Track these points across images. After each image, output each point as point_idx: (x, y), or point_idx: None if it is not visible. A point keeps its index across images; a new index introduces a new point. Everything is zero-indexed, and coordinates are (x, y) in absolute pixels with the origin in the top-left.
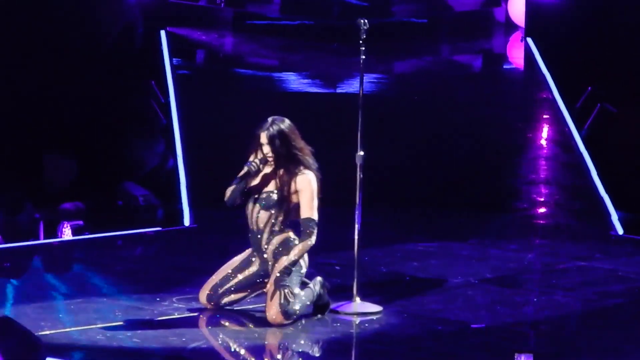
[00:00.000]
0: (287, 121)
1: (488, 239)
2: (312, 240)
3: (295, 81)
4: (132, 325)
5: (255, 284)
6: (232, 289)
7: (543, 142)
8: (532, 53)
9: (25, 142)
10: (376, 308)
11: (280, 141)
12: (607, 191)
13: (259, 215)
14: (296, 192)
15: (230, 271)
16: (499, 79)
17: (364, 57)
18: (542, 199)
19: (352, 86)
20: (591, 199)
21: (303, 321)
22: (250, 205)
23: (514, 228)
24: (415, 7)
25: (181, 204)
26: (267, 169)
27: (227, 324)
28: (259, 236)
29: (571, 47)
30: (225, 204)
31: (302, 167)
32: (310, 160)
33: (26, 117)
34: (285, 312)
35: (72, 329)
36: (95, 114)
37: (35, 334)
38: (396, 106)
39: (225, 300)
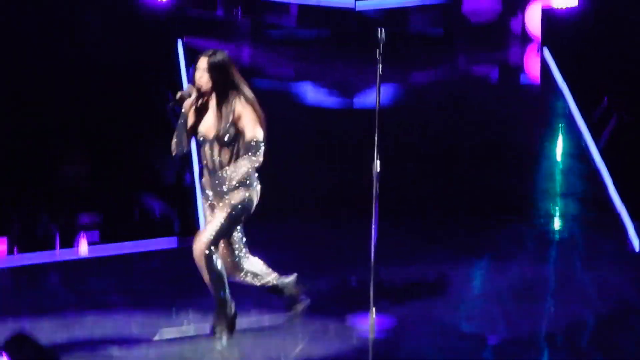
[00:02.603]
0: (225, 52)
1: (504, 250)
2: (259, 159)
3: (312, 91)
4: (148, 339)
5: None
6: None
7: (559, 153)
8: (548, 64)
9: (42, 153)
10: (392, 320)
11: (220, 70)
12: (623, 202)
13: (221, 153)
14: (239, 117)
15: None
16: (515, 90)
17: (380, 67)
18: (558, 211)
19: (368, 97)
20: (607, 210)
21: (317, 334)
22: (207, 147)
23: (530, 239)
24: (432, 18)
25: (197, 215)
26: (207, 108)
27: (242, 339)
28: (217, 176)
29: (587, 57)
30: (175, 157)
31: (240, 95)
32: (247, 90)
33: (43, 127)
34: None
35: (88, 343)
36: (112, 124)
37: (51, 349)
38: (413, 116)
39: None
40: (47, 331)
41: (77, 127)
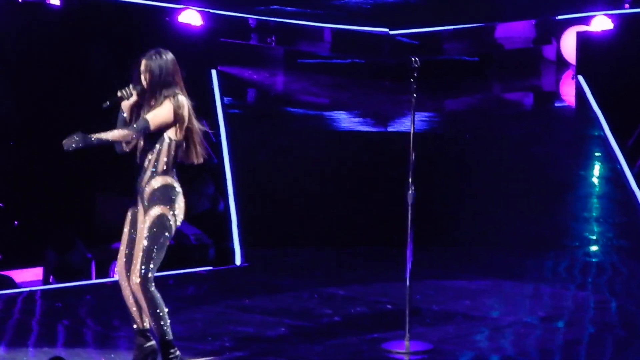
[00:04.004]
0: (170, 55)
1: (540, 276)
2: (133, 135)
3: (346, 120)
4: None
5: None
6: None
7: (594, 179)
8: (583, 90)
9: (77, 182)
10: (427, 347)
11: (156, 72)
12: None
13: (143, 155)
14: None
15: (127, 229)
16: (550, 117)
17: (415, 95)
18: (594, 237)
19: (403, 124)
20: None
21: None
22: (139, 143)
23: (565, 266)
24: (466, 45)
25: (232, 242)
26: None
27: None
28: (142, 174)
29: (623, 84)
30: (117, 151)
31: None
32: (182, 97)
33: (78, 157)
34: (144, 277)
35: None
36: None
37: None
38: (447, 144)
39: None
40: (84, 357)
41: (112, 157)
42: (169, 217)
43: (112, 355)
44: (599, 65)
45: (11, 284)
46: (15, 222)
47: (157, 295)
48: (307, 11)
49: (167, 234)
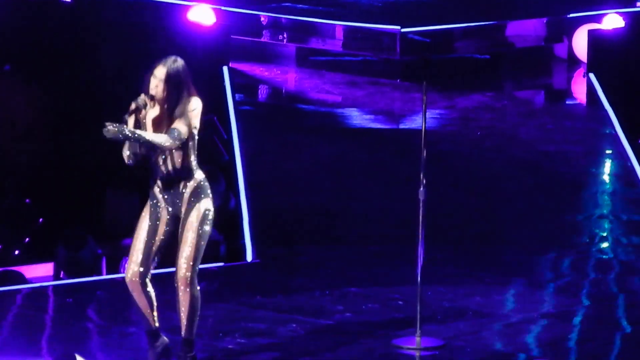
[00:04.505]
0: (182, 61)
1: (550, 273)
2: (168, 143)
3: (358, 117)
4: None
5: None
6: (157, 252)
7: (605, 177)
8: (594, 88)
9: (87, 178)
10: (438, 343)
11: (176, 81)
12: None
13: (172, 157)
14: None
15: (145, 239)
16: (561, 115)
17: (426, 92)
18: (604, 234)
19: (414, 122)
20: None
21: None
22: (158, 154)
23: (575, 263)
24: (477, 43)
25: (244, 239)
26: (154, 112)
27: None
28: (172, 173)
29: (634, 82)
30: (129, 165)
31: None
32: (194, 101)
33: (89, 153)
34: (195, 272)
35: None
36: None
37: None
38: (459, 142)
39: (153, 266)
40: (95, 353)
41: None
42: (212, 210)
43: (124, 352)
44: (610, 63)
45: (21, 279)
46: (40, 220)
47: (199, 293)
48: (319, 8)
49: (210, 228)
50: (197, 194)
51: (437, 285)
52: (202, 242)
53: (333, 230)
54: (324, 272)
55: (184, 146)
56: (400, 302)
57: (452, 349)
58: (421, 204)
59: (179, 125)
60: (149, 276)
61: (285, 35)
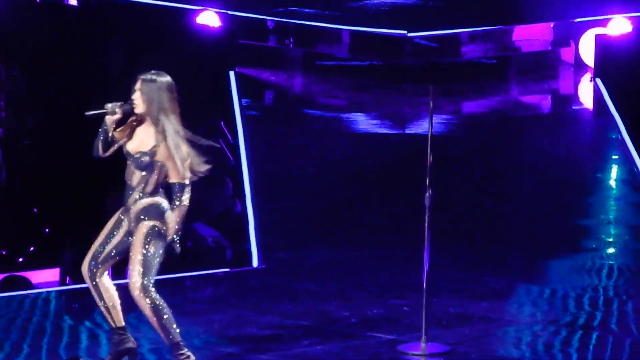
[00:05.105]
0: (167, 78)
1: (557, 278)
2: (185, 202)
3: (364, 122)
4: None
5: (129, 245)
6: (112, 254)
7: (612, 182)
8: (601, 93)
9: (93, 181)
10: (444, 349)
11: (153, 93)
12: None
13: (133, 173)
14: (168, 155)
15: (104, 236)
16: (568, 120)
17: (432, 97)
18: (611, 240)
19: (421, 127)
20: None
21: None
22: (128, 162)
23: (582, 268)
24: (484, 47)
25: (250, 244)
26: (143, 127)
27: None
28: (130, 192)
29: None
30: (93, 154)
31: (167, 129)
32: (175, 122)
33: (96, 160)
34: (143, 286)
35: None
36: None
37: None
38: (465, 146)
39: (107, 266)
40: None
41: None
42: (162, 228)
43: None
44: (617, 68)
45: (28, 284)
46: (47, 230)
47: (160, 300)
48: (326, 13)
49: (161, 242)
50: (138, 219)
51: (442, 289)
52: (151, 260)
53: (339, 234)
54: (330, 277)
55: (147, 172)
56: (405, 308)
57: (457, 355)
58: (427, 209)
59: (175, 178)
60: (103, 274)
61: (291, 40)
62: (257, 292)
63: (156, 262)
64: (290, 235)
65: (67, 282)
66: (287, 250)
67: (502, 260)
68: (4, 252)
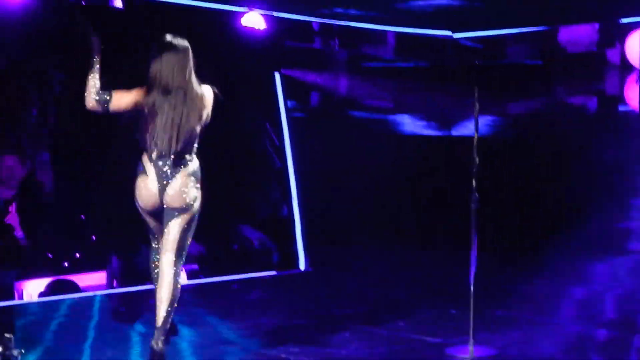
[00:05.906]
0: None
1: (605, 281)
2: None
3: (409, 123)
4: None
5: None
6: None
7: None
8: None
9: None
10: (492, 352)
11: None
12: None
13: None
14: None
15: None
16: (614, 121)
17: (478, 98)
18: None
19: (466, 128)
20: None
21: None
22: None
23: (631, 271)
24: (529, 48)
25: (296, 247)
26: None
27: None
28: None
29: None
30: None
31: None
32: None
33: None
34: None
35: None
36: (210, 157)
37: None
38: (511, 148)
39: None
40: None
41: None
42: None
43: None
44: None
45: (75, 288)
46: (93, 237)
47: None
48: (371, 14)
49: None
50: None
51: (490, 292)
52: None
53: (386, 236)
54: (377, 280)
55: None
56: (453, 311)
57: (505, 358)
58: (473, 211)
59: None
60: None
61: (336, 41)
62: (304, 294)
63: None
64: (336, 237)
65: (114, 285)
66: (333, 252)
67: (550, 263)
68: (50, 255)
